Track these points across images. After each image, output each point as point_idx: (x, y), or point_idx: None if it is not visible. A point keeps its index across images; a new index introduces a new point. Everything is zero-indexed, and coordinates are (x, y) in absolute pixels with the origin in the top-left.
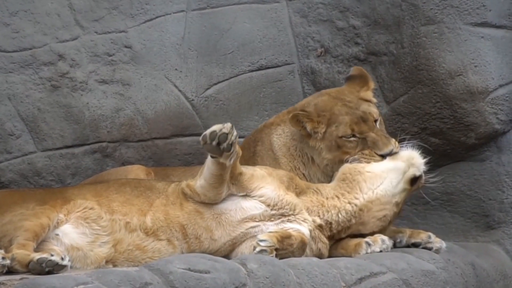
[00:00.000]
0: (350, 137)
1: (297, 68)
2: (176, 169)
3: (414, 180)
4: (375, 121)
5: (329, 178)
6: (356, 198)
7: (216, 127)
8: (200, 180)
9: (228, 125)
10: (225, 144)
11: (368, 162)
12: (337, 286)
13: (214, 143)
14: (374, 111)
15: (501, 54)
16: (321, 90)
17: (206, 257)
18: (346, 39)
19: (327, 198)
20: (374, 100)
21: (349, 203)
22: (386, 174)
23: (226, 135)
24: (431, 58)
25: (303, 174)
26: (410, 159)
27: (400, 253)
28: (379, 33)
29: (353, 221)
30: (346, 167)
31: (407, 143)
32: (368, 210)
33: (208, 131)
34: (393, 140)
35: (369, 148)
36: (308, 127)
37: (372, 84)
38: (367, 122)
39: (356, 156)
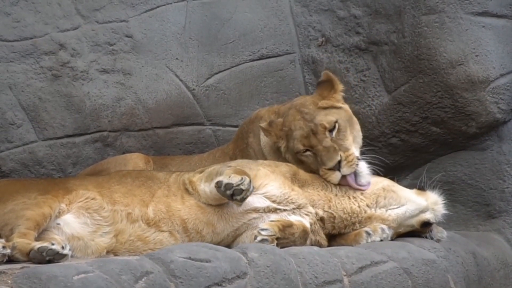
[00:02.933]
0: (304, 151)
1: (298, 58)
2: (175, 158)
3: (425, 224)
4: (330, 130)
5: None
6: (369, 207)
7: (234, 180)
8: (204, 186)
9: (246, 180)
10: (238, 197)
11: (325, 179)
12: (338, 275)
13: (228, 192)
14: (328, 120)
15: (502, 43)
16: (294, 99)
17: (207, 246)
18: (347, 29)
19: (336, 195)
20: (339, 104)
21: (359, 206)
22: (405, 202)
23: (241, 190)
24: (432, 47)
25: None
26: (434, 203)
27: (401, 242)
28: (380, 23)
29: (357, 225)
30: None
31: (364, 156)
32: (376, 223)
33: (224, 181)
34: (345, 152)
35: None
36: (271, 140)
37: (339, 87)
38: (317, 135)
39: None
